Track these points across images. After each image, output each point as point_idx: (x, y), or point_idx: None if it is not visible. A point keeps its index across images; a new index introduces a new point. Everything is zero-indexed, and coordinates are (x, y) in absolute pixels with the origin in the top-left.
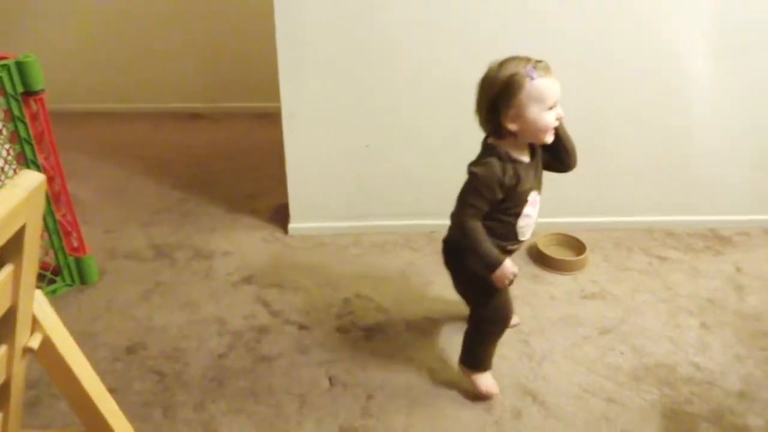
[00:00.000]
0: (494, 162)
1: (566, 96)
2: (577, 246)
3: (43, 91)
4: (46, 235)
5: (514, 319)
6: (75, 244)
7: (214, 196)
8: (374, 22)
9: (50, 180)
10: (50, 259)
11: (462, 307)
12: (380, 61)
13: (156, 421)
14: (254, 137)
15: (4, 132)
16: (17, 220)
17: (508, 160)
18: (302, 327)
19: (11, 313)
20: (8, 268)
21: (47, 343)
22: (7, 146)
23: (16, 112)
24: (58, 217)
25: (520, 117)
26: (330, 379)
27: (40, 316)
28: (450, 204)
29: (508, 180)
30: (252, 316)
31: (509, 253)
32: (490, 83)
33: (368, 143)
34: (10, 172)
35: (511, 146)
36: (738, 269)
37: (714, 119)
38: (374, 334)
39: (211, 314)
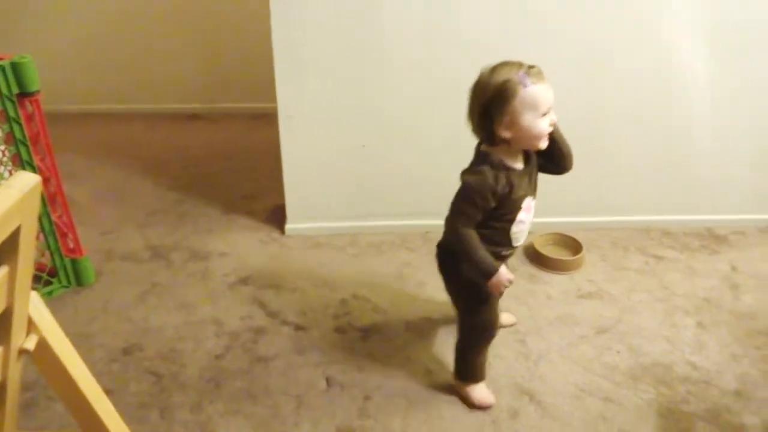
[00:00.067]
0: (486, 170)
1: (564, 96)
2: (574, 245)
3: (38, 92)
4: (42, 236)
5: (511, 319)
6: (71, 245)
7: (211, 197)
8: (371, 22)
9: (46, 181)
10: (46, 261)
11: None
12: (376, 61)
13: (153, 423)
14: (251, 138)
15: (0, 133)
16: (12, 221)
17: (501, 168)
18: (299, 328)
19: (7, 314)
20: (3, 270)
21: (43, 345)
22: (2, 147)
23: (12, 114)
24: (54, 218)
25: (513, 124)
26: (327, 380)
27: (35, 318)
28: (446, 204)
29: (501, 188)
30: (249, 317)
31: (504, 258)
32: (482, 90)
33: (365, 144)
34: (6, 174)
35: (505, 153)
36: (734, 268)
37: (710, 119)
38: (371, 335)
39: (207, 315)
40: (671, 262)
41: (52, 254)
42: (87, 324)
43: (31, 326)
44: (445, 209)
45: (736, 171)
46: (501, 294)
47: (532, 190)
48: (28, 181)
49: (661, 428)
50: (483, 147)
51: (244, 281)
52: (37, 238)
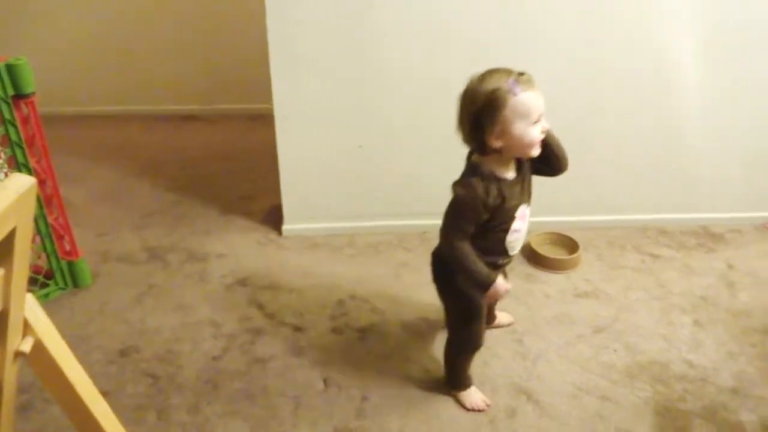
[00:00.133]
0: (476, 183)
1: (562, 96)
2: (571, 245)
3: (33, 94)
4: (38, 238)
5: (508, 318)
6: (67, 247)
7: (209, 198)
8: (367, 22)
9: (42, 183)
10: (42, 263)
11: None
12: (373, 61)
13: (150, 424)
14: (248, 139)
15: None
16: (7, 223)
17: (491, 179)
18: (297, 329)
19: (2, 317)
20: None
21: (39, 347)
22: None
23: (7, 116)
24: (50, 220)
25: (504, 134)
26: (325, 381)
27: (31, 320)
28: (443, 204)
29: (492, 200)
30: (246, 318)
31: (500, 267)
32: (472, 99)
33: (361, 144)
34: (1, 176)
35: (496, 163)
36: (730, 266)
37: (707, 119)
38: (368, 335)
39: (205, 317)
40: (668, 260)
41: (48, 256)
42: (84, 326)
43: (26, 329)
44: (442, 209)
45: (732, 170)
46: (497, 301)
47: (526, 198)
48: (23, 182)
49: (658, 426)
50: (474, 157)
51: (241, 282)
52: (33, 240)
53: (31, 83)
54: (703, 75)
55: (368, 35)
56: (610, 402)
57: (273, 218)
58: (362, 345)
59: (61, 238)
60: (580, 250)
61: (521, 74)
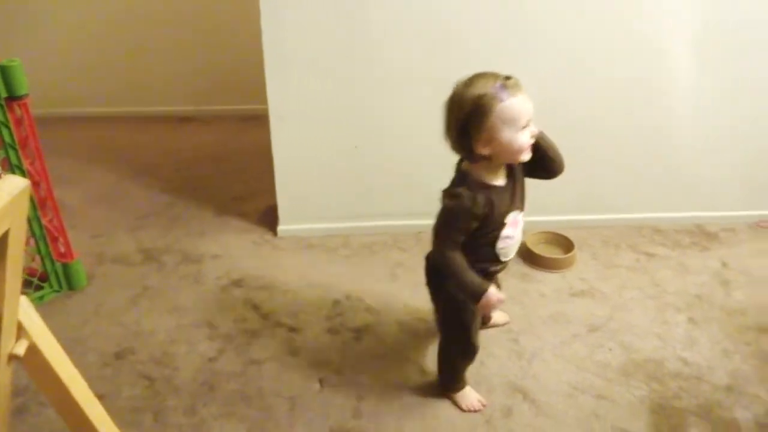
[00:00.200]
0: (464, 193)
1: (555, 95)
2: (566, 244)
3: (27, 95)
4: (32, 240)
5: (504, 318)
6: (62, 249)
7: (203, 200)
8: (361, 22)
9: (36, 185)
10: (37, 265)
11: None
12: (368, 61)
13: (146, 427)
14: (243, 140)
15: None
16: (0, 225)
17: (480, 188)
18: (292, 329)
19: None
20: None
21: (33, 350)
22: None
23: (0, 117)
24: (44, 222)
25: (492, 141)
26: (320, 381)
27: (25, 323)
28: (437, 205)
29: (480, 209)
30: (242, 319)
31: (493, 274)
32: (458, 105)
33: (357, 144)
34: None
35: (485, 170)
36: (724, 264)
37: (700, 118)
38: (364, 335)
39: (200, 318)
40: (662, 259)
41: (42, 258)
42: (79, 328)
43: (20, 331)
44: (435, 209)
45: (726, 168)
46: (491, 311)
47: (518, 204)
48: (16, 184)
49: (653, 424)
50: (464, 164)
51: (236, 283)
52: (27, 242)
53: (24, 85)
54: (698, 75)
55: (363, 35)
56: (605, 400)
57: (268, 219)
58: (358, 345)
59: (55, 240)
60: (575, 250)
61: (508, 78)
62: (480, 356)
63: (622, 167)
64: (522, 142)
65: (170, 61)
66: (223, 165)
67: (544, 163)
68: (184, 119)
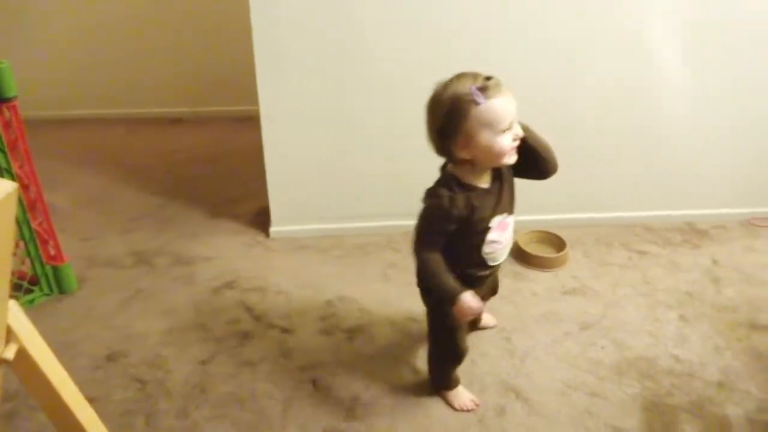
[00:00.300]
0: (443, 194)
1: (545, 95)
2: (558, 243)
3: (15, 97)
4: (22, 244)
5: (492, 321)
6: (52, 252)
7: (195, 202)
8: (353, 22)
9: (25, 188)
10: (27, 269)
11: None
12: (359, 61)
13: (138, 430)
14: (235, 141)
15: None
16: None
17: (460, 189)
18: (285, 330)
19: None
20: None
21: (23, 354)
22: None
23: None
24: (34, 225)
25: (471, 144)
26: (313, 382)
27: (14, 327)
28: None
29: (459, 212)
30: (234, 321)
31: (481, 279)
32: (436, 107)
33: (348, 144)
34: None
35: (469, 173)
36: (715, 262)
37: (691, 117)
38: (357, 336)
39: (192, 320)
40: (654, 257)
41: (32, 262)
42: (70, 332)
43: (10, 335)
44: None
45: (716, 167)
46: (467, 321)
47: (506, 208)
48: (4, 188)
49: (646, 421)
50: (449, 166)
51: (229, 285)
52: (17, 246)
53: (12, 87)
54: (689, 75)
55: (354, 36)
56: (598, 398)
57: (260, 220)
58: (351, 346)
59: (45, 243)
60: (568, 248)
61: (488, 79)
62: (472, 355)
63: (613, 166)
64: (503, 145)
65: (161, 62)
66: (215, 166)
67: (535, 163)
68: (175, 121)
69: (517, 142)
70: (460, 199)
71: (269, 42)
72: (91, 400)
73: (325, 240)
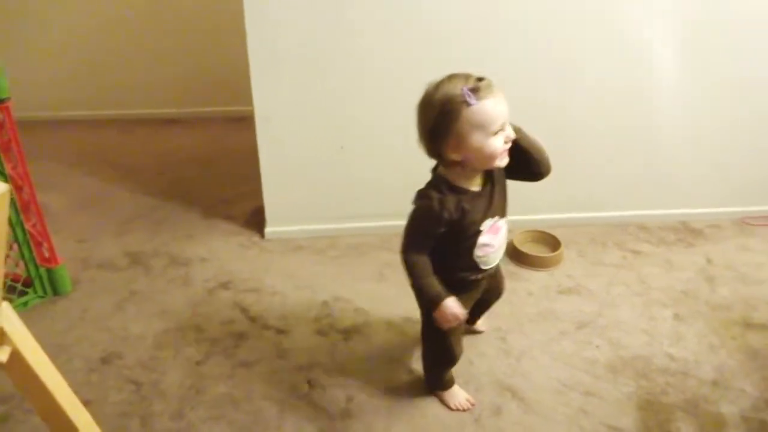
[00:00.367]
0: (433, 196)
1: (539, 95)
2: (552, 242)
3: (9, 99)
4: (16, 246)
5: (483, 326)
6: (46, 254)
7: (190, 203)
8: (347, 23)
9: (19, 190)
10: (21, 271)
11: None
12: (353, 62)
13: None
14: (229, 142)
15: None
16: None
17: (450, 192)
18: (280, 331)
19: None
20: None
21: (16, 357)
22: None
23: None
24: (27, 227)
25: (461, 146)
26: (309, 383)
27: (7, 329)
28: None
29: (449, 215)
30: (230, 322)
31: (474, 283)
32: (427, 109)
33: (343, 145)
34: None
35: (459, 175)
36: (709, 260)
37: (684, 117)
38: (353, 336)
39: (187, 321)
40: (648, 256)
41: (26, 264)
42: (64, 334)
43: (3, 338)
44: None
45: (710, 166)
46: (452, 327)
47: (497, 211)
48: None
49: (641, 420)
50: (440, 168)
51: (224, 286)
52: (11, 248)
53: (5, 88)
54: (682, 75)
55: (348, 35)
56: (594, 397)
57: (255, 221)
58: (346, 346)
59: (39, 245)
60: (562, 248)
61: (480, 80)
62: (468, 355)
63: (607, 166)
64: (494, 147)
65: (155, 63)
66: (210, 167)
67: (528, 165)
68: (169, 121)
69: (509, 144)
70: (451, 202)
71: (263, 42)
72: (86, 403)
73: (320, 240)
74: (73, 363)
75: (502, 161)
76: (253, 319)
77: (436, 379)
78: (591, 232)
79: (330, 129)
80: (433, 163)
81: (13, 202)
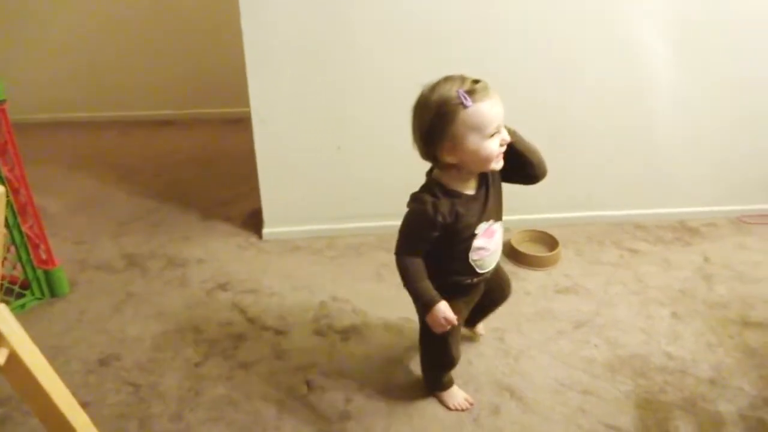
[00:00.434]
0: (427, 200)
1: (537, 95)
2: (550, 241)
3: (4, 101)
4: (13, 248)
5: (480, 330)
6: (43, 256)
7: (187, 204)
8: (344, 24)
9: (15, 192)
10: (18, 273)
11: None
12: (350, 62)
13: None
14: (226, 143)
15: None
16: None
17: (445, 195)
18: (279, 332)
19: None
20: None
21: (14, 359)
22: None
23: None
24: (24, 229)
25: (457, 148)
26: (308, 384)
27: (5, 331)
28: None
29: (443, 218)
30: (228, 323)
31: (471, 287)
32: (422, 111)
33: (340, 145)
34: None
35: (454, 178)
36: (706, 259)
37: (681, 116)
38: (351, 336)
39: (185, 323)
40: (646, 255)
41: (23, 266)
42: (62, 336)
43: (0, 340)
44: None
45: (707, 165)
46: (445, 331)
47: (492, 215)
48: None
49: (639, 419)
50: (435, 171)
51: (222, 287)
52: (8, 250)
53: (1, 91)
54: (679, 74)
55: (345, 37)
56: (592, 396)
57: (253, 222)
58: (345, 346)
59: (36, 247)
60: (560, 247)
61: (476, 82)
62: (467, 355)
63: (605, 165)
64: (490, 150)
65: (152, 65)
66: (207, 169)
67: (523, 168)
68: (166, 123)
69: (504, 147)
70: (445, 205)
71: (259, 44)
72: (84, 405)
73: (318, 241)
74: (71, 365)
75: (498, 164)
76: (251, 320)
77: (434, 380)
78: (588, 231)
79: (327, 129)
80: (429, 164)
81: (10, 205)
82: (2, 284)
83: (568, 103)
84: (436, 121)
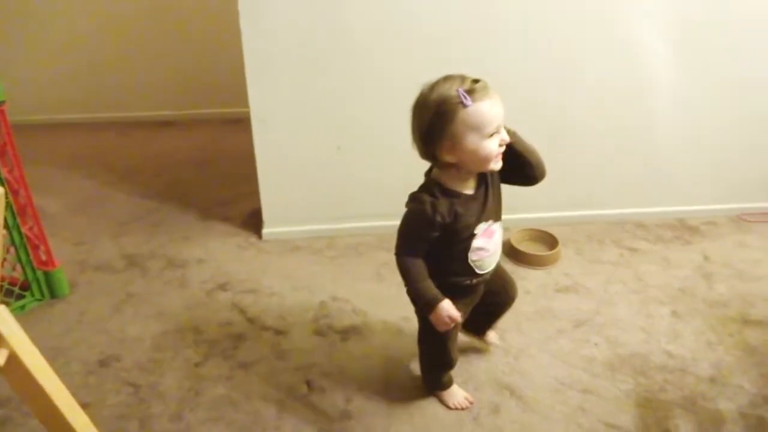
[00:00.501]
0: (425, 200)
1: (536, 95)
2: (550, 240)
3: (4, 102)
4: (13, 249)
5: (492, 339)
6: (43, 257)
7: (187, 204)
8: (343, 24)
9: (15, 193)
10: (18, 274)
11: None
12: (349, 63)
13: None
14: (225, 143)
15: None
16: None
17: (443, 195)
18: (279, 332)
19: None
20: None
21: (14, 360)
22: None
23: None
24: (24, 230)
25: (456, 148)
26: (308, 383)
27: (5, 332)
28: None
29: (442, 218)
30: (228, 323)
31: (471, 288)
32: (421, 110)
33: (339, 145)
34: None
35: (453, 178)
36: (706, 258)
37: (681, 114)
38: (351, 336)
39: (185, 323)
40: (645, 253)
41: (23, 267)
42: (62, 337)
43: (0, 341)
44: None
45: (706, 163)
46: (447, 330)
47: (491, 215)
48: None
49: (639, 417)
50: (434, 171)
51: (222, 287)
52: (8, 251)
53: (0, 92)
54: (679, 73)
55: (344, 37)
56: (592, 395)
57: (252, 222)
58: (345, 346)
59: (36, 248)
60: (560, 246)
61: (475, 81)
62: (467, 354)
63: (604, 164)
64: (489, 150)
65: (151, 65)
66: (206, 169)
67: (522, 169)
68: (165, 124)
69: (503, 147)
70: (443, 205)
71: (259, 45)
72: (84, 406)
73: (318, 241)
74: (71, 366)
75: (497, 164)
76: (251, 320)
77: (434, 380)
78: (588, 230)
79: (327, 129)
80: (428, 163)
81: (9, 206)
82: (2, 285)
83: (568, 103)
84: (435, 120)
